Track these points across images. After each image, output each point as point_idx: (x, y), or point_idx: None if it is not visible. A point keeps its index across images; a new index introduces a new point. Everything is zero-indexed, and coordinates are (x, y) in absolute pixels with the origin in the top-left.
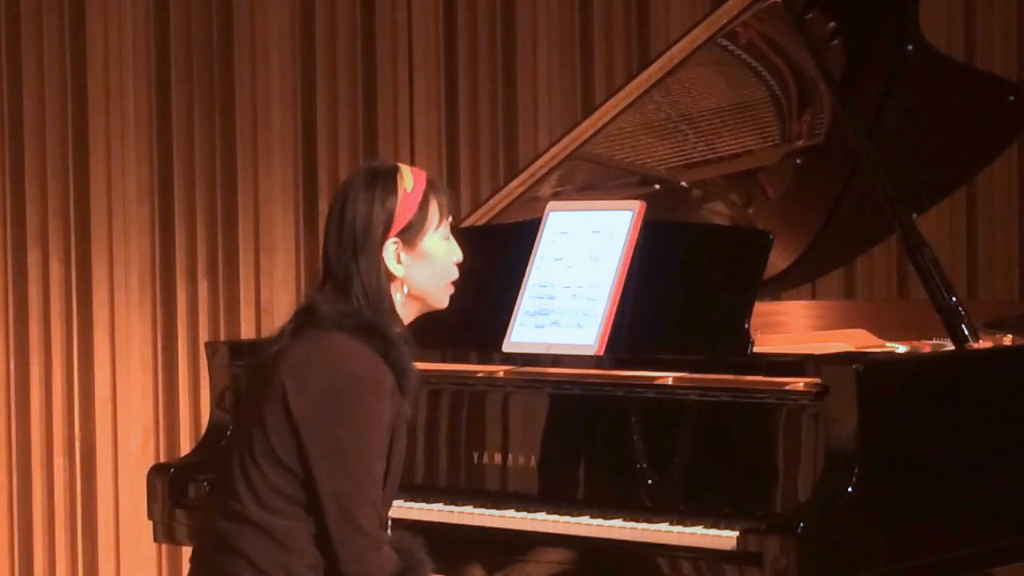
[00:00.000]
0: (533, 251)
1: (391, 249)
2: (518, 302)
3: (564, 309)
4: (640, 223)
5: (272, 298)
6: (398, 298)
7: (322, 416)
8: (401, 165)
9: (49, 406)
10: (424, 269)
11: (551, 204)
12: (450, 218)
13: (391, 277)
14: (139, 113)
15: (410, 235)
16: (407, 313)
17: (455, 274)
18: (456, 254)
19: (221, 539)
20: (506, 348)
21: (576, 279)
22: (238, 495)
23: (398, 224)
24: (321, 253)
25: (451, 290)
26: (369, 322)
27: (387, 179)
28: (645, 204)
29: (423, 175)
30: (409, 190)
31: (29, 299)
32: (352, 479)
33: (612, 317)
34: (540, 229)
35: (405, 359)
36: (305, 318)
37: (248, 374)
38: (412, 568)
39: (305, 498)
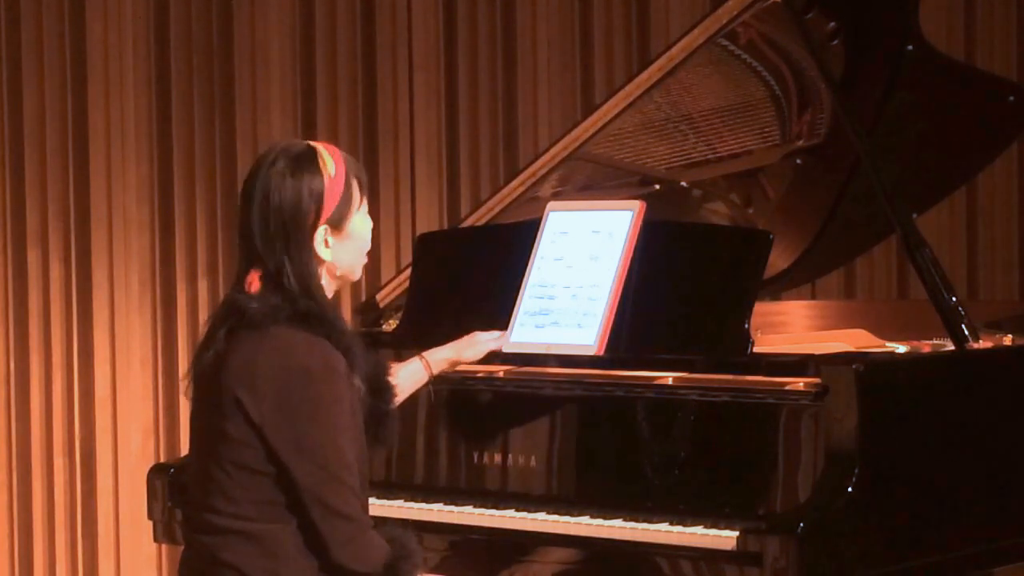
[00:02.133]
0: (533, 251)
1: (320, 236)
2: (518, 302)
3: (564, 309)
4: (640, 223)
5: None
6: (324, 280)
7: (284, 416)
8: (317, 146)
9: (49, 406)
10: (350, 249)
11: (551, 204)
12: (366, 196)
13: (320, 262)
14: (139, 113)
15: (337, 220)
16: (329, 289)
17: (369, 246)
18: (370, 225)
19: (207, 553)
20: (506, 348)
21: (576, 279)
22: (216, 508)
23: (327, 211)
24: (242, 240)
25: (365, 260)
26: (303, 309)
27: (310, 164)
28: (645, 204)
29: (340, 155)
30: (333, 175)
31: (29, 299)
32: (328, 471)
33: (612, 317)
34: (540, 229)
35: (348, 337)
36: (236, 319)
37: (192, 385)
38: (404, 556)
39: (284, 499)
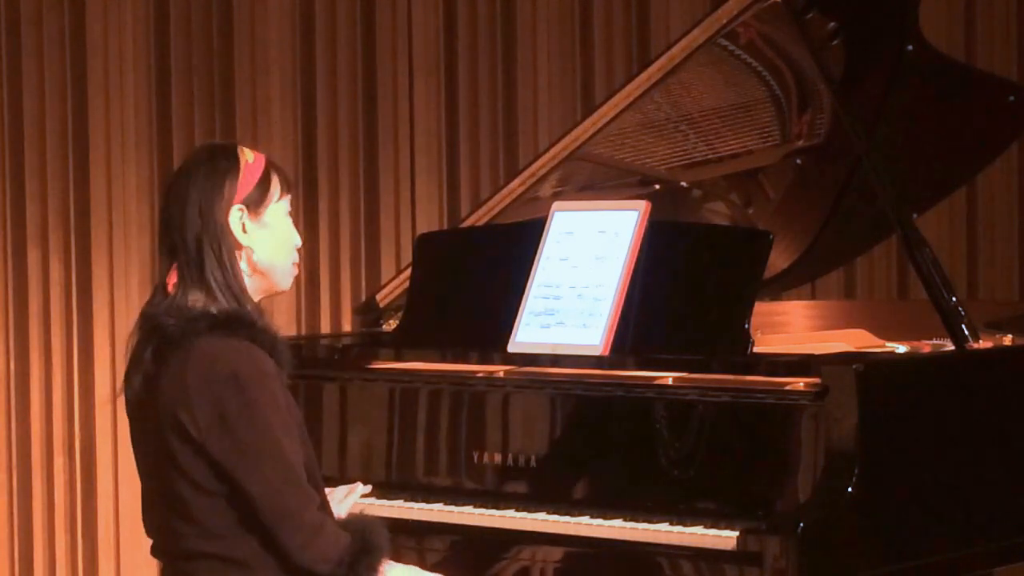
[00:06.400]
0: (538, 251)
1: (236, 216)
2: (523, 302)
3: (569, 309)
4: (645, 223)
5: (272, 298)
6: (244, 269)
7: (222, 428)
8: (239, 144)
9: (49, 406)
10: (269, 241)
11: (556, 204)
12: (290, 196)
13: (238, 246)
14: (139, 113)
15: (254, 202)
16: (253, 289)
17: (297, 256)
18: (297, 239)
19: None
20: (511, 348)
21: (581, 279)
22: (180, 531)
23: (242, 191)
24: (162, 236)
25: (295, 272)
26: (223, 314)
27: (227, 152)
28: (650, 204)
29: (264, 155)
30: (251, 161)
31: (29, 299)
32: (275, 475)
33: (617, 317)
34: (545, 229)
35: (271, 335)
36: (158, 339)
37: (128, 410)
38: (366, 551)
39: (242, 515)
